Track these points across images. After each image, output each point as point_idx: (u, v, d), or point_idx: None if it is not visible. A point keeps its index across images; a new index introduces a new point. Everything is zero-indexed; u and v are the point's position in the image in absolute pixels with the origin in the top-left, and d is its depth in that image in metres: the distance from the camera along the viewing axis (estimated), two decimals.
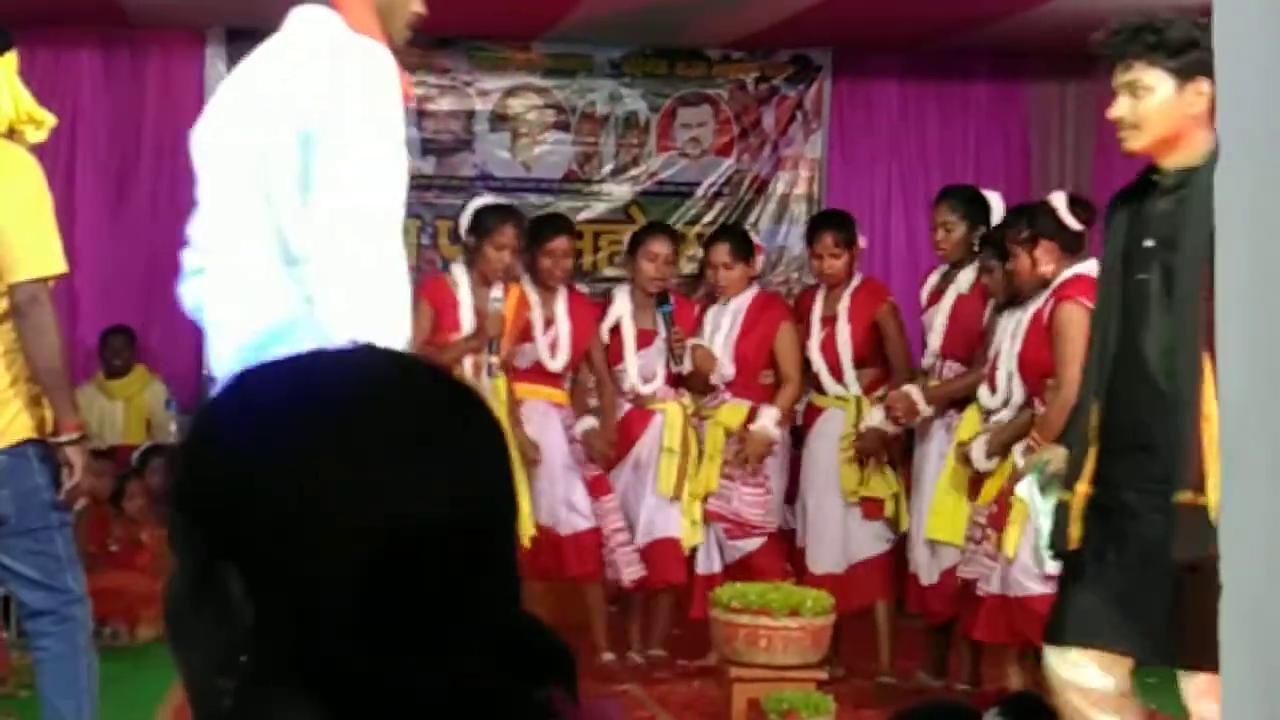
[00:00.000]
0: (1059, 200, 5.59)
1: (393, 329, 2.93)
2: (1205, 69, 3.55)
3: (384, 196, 3.01)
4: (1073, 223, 5.46)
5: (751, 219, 9.46)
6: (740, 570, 6.68)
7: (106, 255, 8.96)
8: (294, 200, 3.01)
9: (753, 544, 6.78)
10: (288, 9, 9.11)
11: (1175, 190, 3.66)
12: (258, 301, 3.08)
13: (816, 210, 9.00)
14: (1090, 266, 5.09)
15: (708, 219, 9.25)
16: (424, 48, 9.42)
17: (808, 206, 9.36)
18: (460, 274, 6.69)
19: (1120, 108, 3.69)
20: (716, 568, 6.81)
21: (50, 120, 4.38)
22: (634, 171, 9.33)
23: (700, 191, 9.42)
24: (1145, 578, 3.67)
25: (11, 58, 4.33)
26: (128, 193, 9.14)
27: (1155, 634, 3.67)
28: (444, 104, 9.53)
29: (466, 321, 6.52)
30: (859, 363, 6.79)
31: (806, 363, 6.86)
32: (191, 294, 3.42)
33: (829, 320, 6.82)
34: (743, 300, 6.96)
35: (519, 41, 9.33)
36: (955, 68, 9.78)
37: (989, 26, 8.93)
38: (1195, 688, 3.65)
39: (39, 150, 4.37)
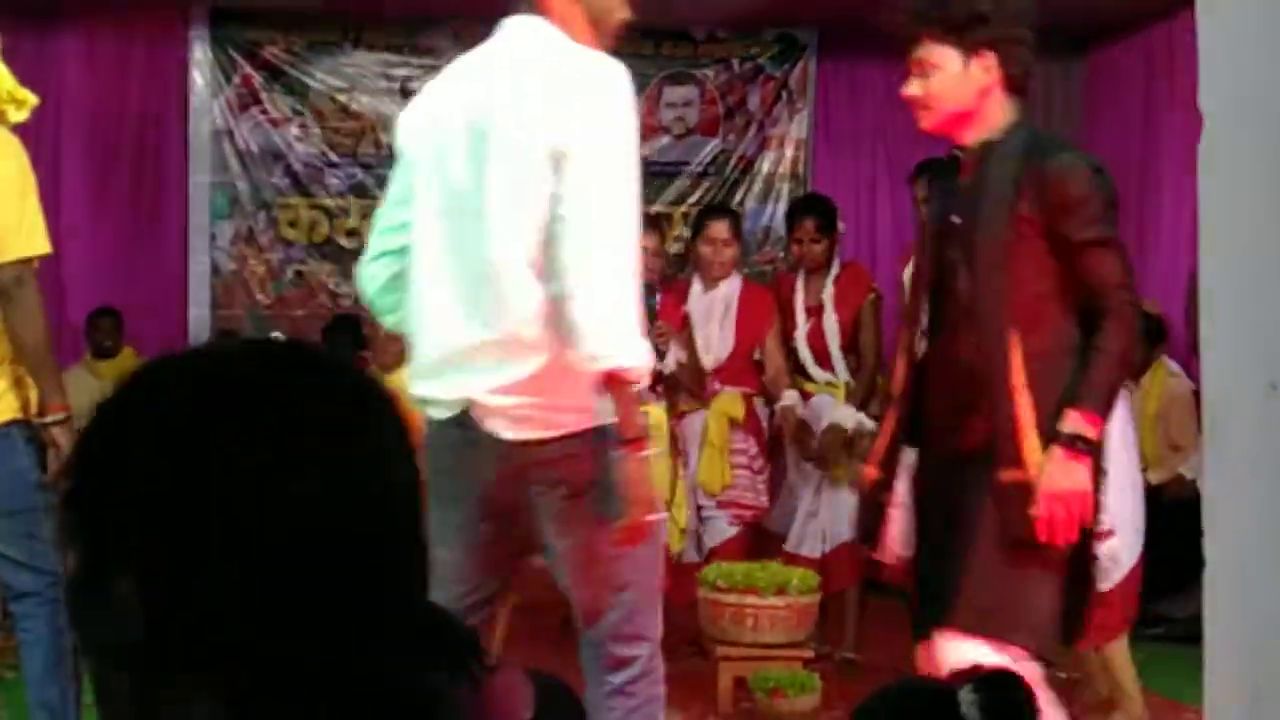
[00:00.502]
0: None
1: (633, 333, 3.13)
2: (990, 43, 3.55)
3: (625, 210, 3.14)
4: None
5: (737, 198, 9.46)
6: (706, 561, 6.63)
7: (92, 236, 8.96)
8: (539, 210, 3.13)
9: (729, 533, 6.69)
10: None
11: (976, 167, 3.62)
12: (494, 305, 3.20)
13: (802, 190, 8.99)
14: None
15: (694, 199, 9.26)
16: (406, 27, 9.42)
17: (793, 186, 9.36)
18: None
19: (911, 86, 3.65)
20: (695, 556, 6.71)
21: (32, 100, 4.36)
22: None
23: (687, 171, 9.42)
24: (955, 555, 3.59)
25: None
26: (113, 174, 9.13)
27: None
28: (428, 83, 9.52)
29: None
30: (845, 350, 6.74)
31: (790, 351, 6.79)
32: (371, 278, 3.50)
33: (814, 309, 6.75)
34: (733, 286, 6.82)
35: (502, 19, 9.31)
36: None
37: None
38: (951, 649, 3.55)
39: (23, 131, 4.36)
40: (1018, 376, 3.47)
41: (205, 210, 9.26)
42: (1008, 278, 3.50)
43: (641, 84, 9.20)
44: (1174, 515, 5.61)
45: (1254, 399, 1.25)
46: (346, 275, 9.53)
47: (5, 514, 4.23)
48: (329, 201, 9.50)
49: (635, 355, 3.13)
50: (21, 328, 4.16)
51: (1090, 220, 3.45)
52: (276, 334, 7.78)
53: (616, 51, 3.36)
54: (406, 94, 9.50)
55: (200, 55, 9.23)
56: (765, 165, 9.48)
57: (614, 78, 3.19)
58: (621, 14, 3.39)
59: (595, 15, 3.33)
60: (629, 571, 3.32)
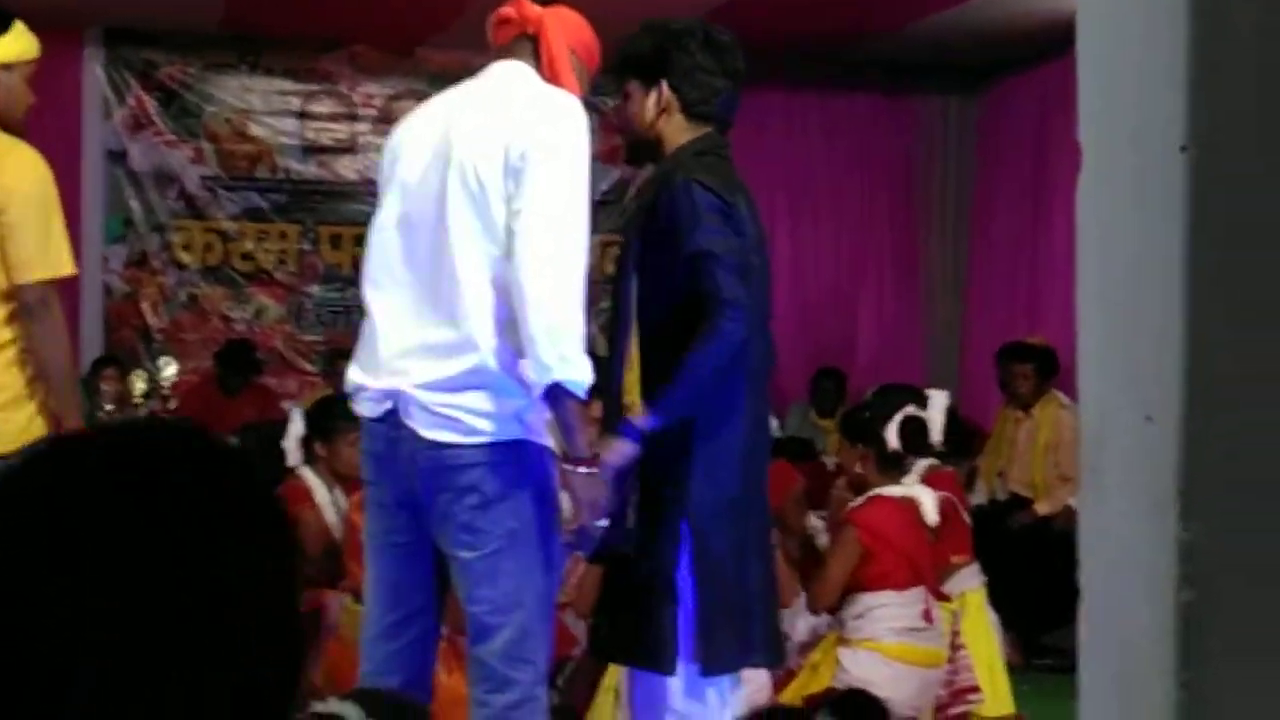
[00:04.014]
0: (897, 416, 5.11)
1: (580, 350, 3.23)
2: (663, 73, 3.81)
3: (575, 229, 3.33)
4: (894, 443, 5.05)
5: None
6: None
7: None
8: (494, 224, 3.30)
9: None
10: (169, 11, 8.95)
11: (645, 185, 3.90)
12: (445, 308, 3.32)
13: None
14: (895, 491, 5.00)
15: (594, 227, 9.26)
16: (304, 51, 9.36)
17: None
18: (310, 476, 5.78)
19: (620, 119, 3.98)
20: None
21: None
22: None
23: None
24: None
25: (12, 43, 4.32)
26: None
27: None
28: (326, 108, 9.47)
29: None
30: None
31: None
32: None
33: None
34: None
35: (402, 47, 9.29)
36: (841, 80, 9.87)
37: (872, 41, 9.03)
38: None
39: None
40: (632, 393, 3.66)
41: (98, 232, 9.15)
42: (640, 283, 3.68)
43: None
44: (1062, 546, 5.66)
45: (1130, 429, 1.26)
46: (240, 300, 9.45)
47: None
48: (224, 225, 9.41)
49: (581, 371, 3.22)
50: (45, 348, 4.11)
51: (697, 235, 3.57)
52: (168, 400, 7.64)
53: None
54: (304, 118, 9.46)
55: (93, 74, 9.13)
56: None
57: (569, 106, 3.39)
58: (584, 91, 3.62)
59: (579, 74, 3.60)
60: (525, 592, 3.35)
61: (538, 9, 3.57)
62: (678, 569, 3.60)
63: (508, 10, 3.58)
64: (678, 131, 3.81)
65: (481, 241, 3.29)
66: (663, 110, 3.82)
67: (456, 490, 3.30)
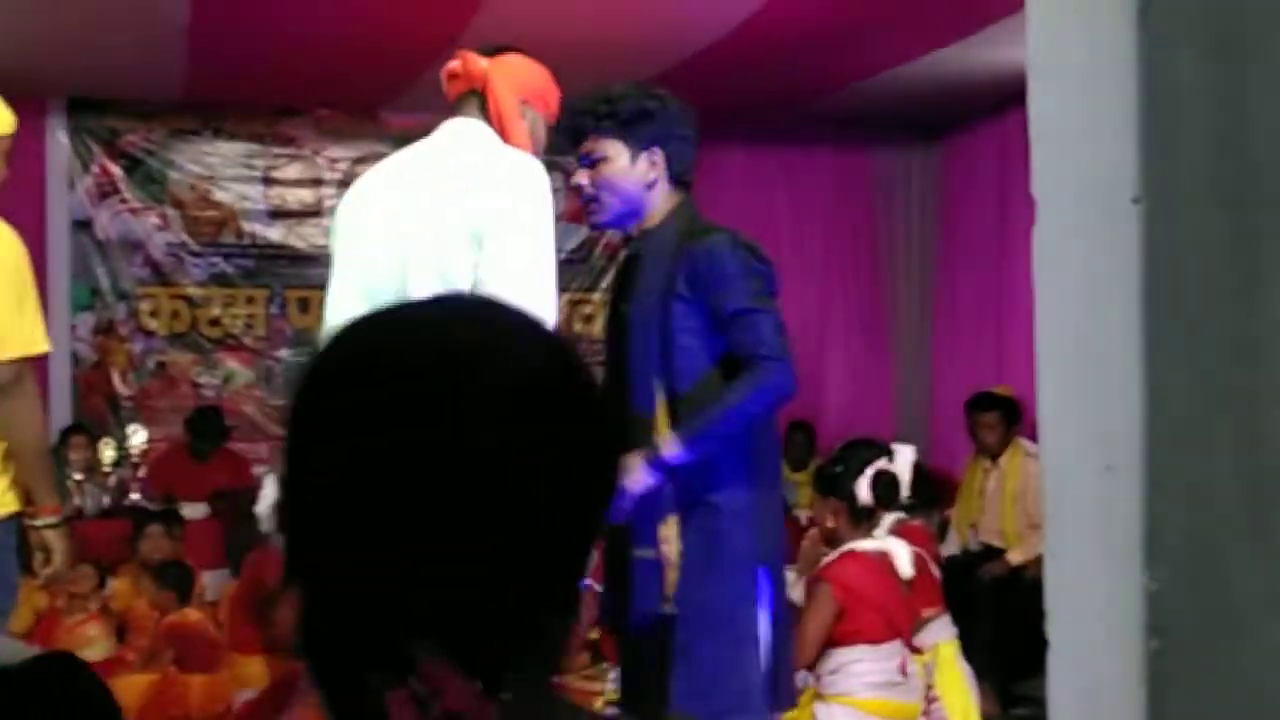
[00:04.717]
0: (869, 470, 5.05)
1: None
2: (656, 139, 3.73)
3: (543, 289, 3.30)
4: (865, 497, 4.99)
5: (604, 285, 9.48)
6: None
7: None
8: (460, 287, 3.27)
9: None
10: (131, 79, 8.91)
11: (639, 257, 3.82)
12: None
13: None
14: (868, 545, 4.97)
15: (562, 286, 9.26)
16: (267, 116, 9.37)
17: None
18: None
19: (580, 177, 3.82)
20: None
21: None
22: None
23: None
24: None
25: None
26: None
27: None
28: (291, 172, 9.48)
29: None
30: None
31: None
32: None
33: None
34: None
35: (366, 110, 9.32)
36: (800, 135, 9.91)
37: (829, 97, 9.07)
38: None
39: None
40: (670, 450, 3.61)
41: (65, 301, 9.12)
42: (662, 344, 3.64)
43: None
44: (1034, 595, 5.65)
45: (1091, 479, 1.27)
46: (209, 365, 9.42)
47: None
48: (190, 291, 9.40)
49: None
50: (19, 426, 4.06)
51: (737, 294, 3.56)
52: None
53: None
54: (268, 182, 9.46)
55: (56, 144, 9.12)
56: None
57: (526, 168, 3.35)
58: (544, 132, 3.64)
59: (532, 129, 3.55)
60: None
61: (482, 63, 3.52)
62: (757, 615, 3.63)
63: (454, 65, 3.54)
64: (666, 197, 3.77)
65: None
66: (649, 178, 3.76)
67: None
